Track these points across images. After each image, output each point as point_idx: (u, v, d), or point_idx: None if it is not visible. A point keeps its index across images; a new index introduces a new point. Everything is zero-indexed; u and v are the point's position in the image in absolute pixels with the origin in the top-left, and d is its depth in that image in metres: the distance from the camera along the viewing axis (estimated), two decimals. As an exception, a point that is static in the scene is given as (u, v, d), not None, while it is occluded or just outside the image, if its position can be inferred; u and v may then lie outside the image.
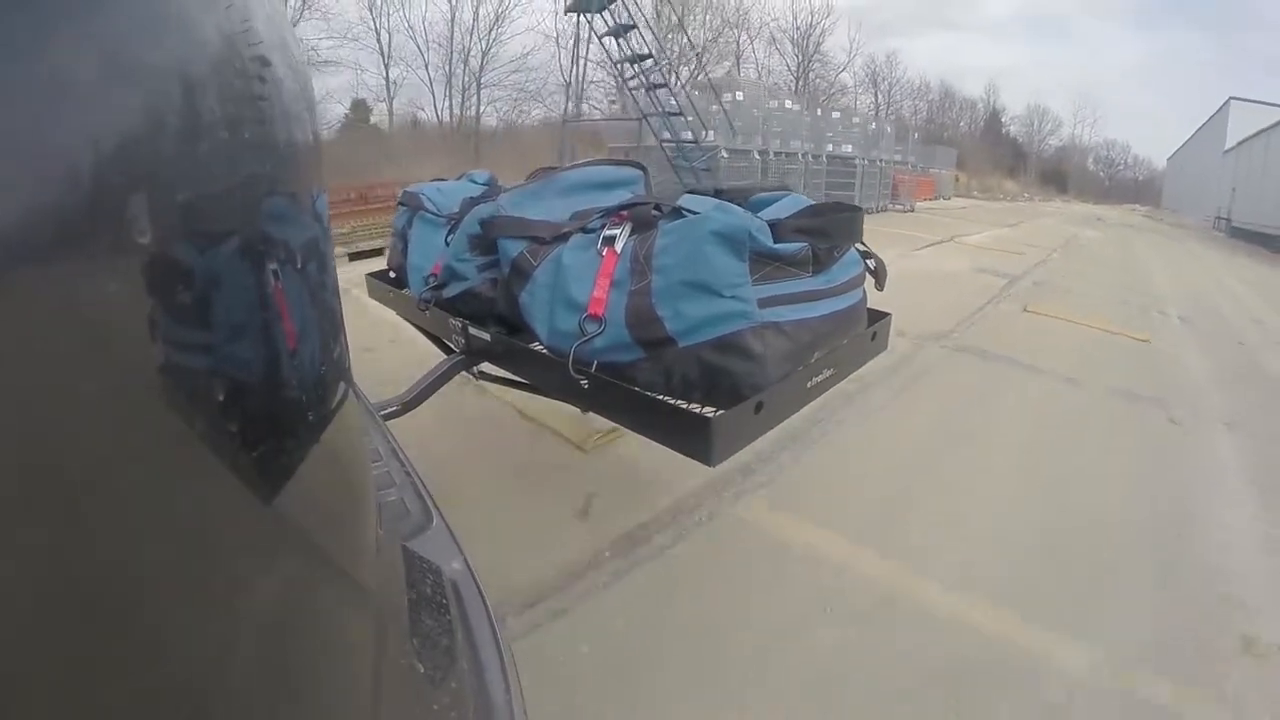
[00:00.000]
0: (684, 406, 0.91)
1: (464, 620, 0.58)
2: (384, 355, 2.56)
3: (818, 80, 28.16)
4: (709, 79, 10.07)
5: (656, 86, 7.71)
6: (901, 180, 12.87)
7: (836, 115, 10.87)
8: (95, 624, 0.24)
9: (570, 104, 11.14)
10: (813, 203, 1.01)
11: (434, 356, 1.48)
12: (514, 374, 1.28)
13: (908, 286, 4.32)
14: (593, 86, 21.44)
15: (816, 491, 1.72)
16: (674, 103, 7.65)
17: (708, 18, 20.59)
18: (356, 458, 0.51)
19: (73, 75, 0.22)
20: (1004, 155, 37.81)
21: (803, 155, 9.32)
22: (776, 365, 0.87)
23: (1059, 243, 9.14)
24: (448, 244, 1.31)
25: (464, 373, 1.38)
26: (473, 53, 19.98)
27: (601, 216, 1.00)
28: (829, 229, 0.91)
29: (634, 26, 7.70)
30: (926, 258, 6.28)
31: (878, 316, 1.14)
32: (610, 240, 0.96)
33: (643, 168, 1.19)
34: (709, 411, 0.88)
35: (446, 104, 20.14)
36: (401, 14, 19.00)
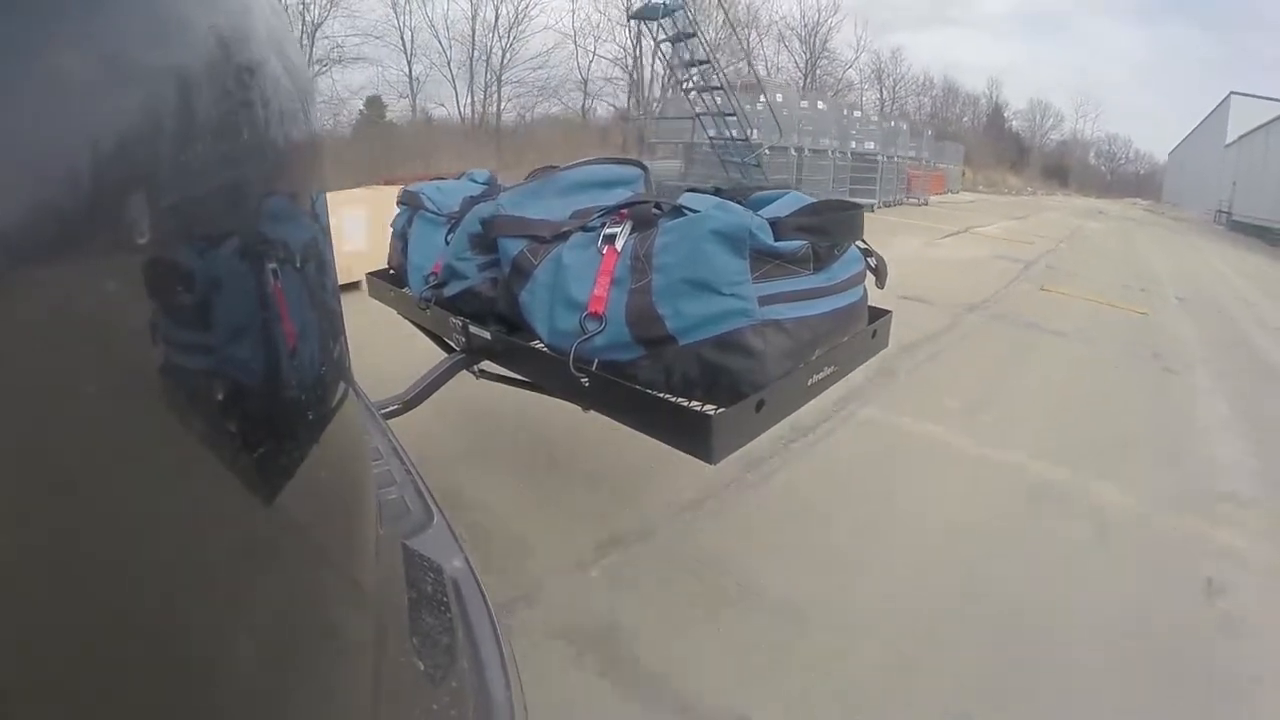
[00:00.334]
0: (684, 404, 0.92)
1: (464, 618, 0.58)
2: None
3: (825, 77, 28.58)
4: (757, 80, 10.70)
5: (713, 89, 8.32)
6: (915, 175, 13.48)
7: (858, 115, 11.51)
8: (95, 623, 0.24)
9: (632, 101, 11.62)
10: (813, 200, 1.01)
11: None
12: (514, 372, 1.28)
13: (941, 270, 5.06)
14: (607, 84, 22.01)
15: (915, 404, 2.39)
16: (726, 103, 8.25)
17: (716, 15, 21.17)
18: (357, 456, 0.51)
19: (72, 76, 0.22)
20: (1007, 150, 38.00)
21: (831, 152, 9.97)
22: (777, 363, 0.88)
23: (1065, 234, 9.80)
24: (448, 243, 1.32)
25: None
26: (493, 51, 20.49)
27: (602, 215, 1.01)
28: (829, 227, 0.91)
29: (694, 34, 8.30)
30: (949, 246, 6.96)
31: (878, 314, 1.14)
32: (610, 239, 0.96)
33: (643, 166, 1.17)
34: (709, 409, 0.89)
35: (469, 100, 20.68)
36: (424, 12, 19.51)
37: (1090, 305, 4.42)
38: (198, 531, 0.28)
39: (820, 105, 10.15)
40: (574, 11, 24.78)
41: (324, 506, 0.41)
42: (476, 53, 20.35)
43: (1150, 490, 1.88)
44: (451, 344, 1.37)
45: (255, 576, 0.32)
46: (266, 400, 0.34)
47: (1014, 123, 40.50)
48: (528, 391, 1.37)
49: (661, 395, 0.91)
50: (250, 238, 0.33)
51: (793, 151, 8.91)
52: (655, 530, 1.49)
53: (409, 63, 19.76)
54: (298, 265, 0.38)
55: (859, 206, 0.98)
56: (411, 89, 20.06)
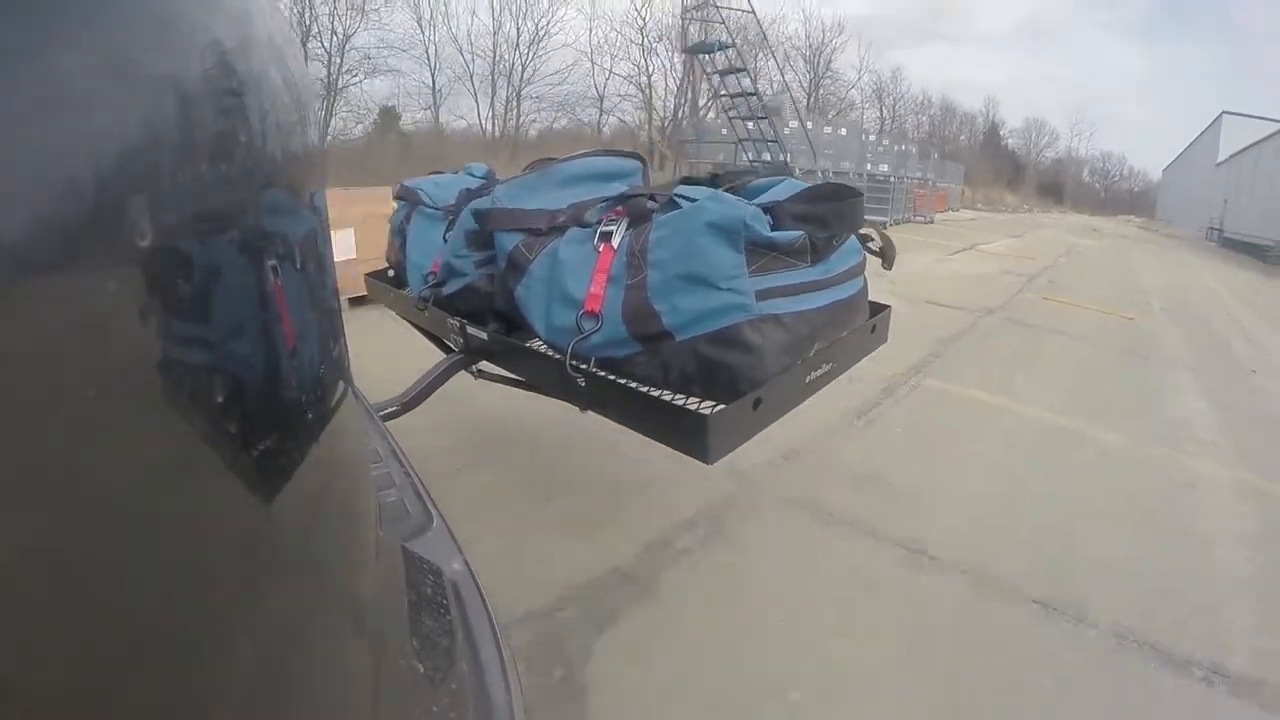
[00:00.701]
0: (681, 403, 0.91)
1: (464, 621, 0.58)
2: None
3: (829, 96, 29.53)
4: (795, 106, 11.64)
5: (758, 118, 9.19)
6: (921, 195, 14.33)
7: (873, 139, 12.39)
8: (94, 623, 0.24)
9: (685, 125, 12.42)
10: (809, 185, 0.98)
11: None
12: (512, 373, 1.28)
13: (956, 282, 5.93)
14: (622, 100, 22.99)
15: (961, 378, 3.12)
16: (767, 129, 9.13)
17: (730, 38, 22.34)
18: (356, 458, 0.52)
19: (72, 79, 0.23)
20: (1003, 167, 38.84)
21: (851, 174, 10.81)
22: (775, 358, 0.87)
23: (1062, 251, 10.60)
24: (445, 240, 1.32)
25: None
26: (514, 66, 21.40)
27: (598, 209, 1.00)
28: (828, 217, 0.90)
29: (744, 69, 9.18)
30: (959, 262, 7.73)
31: (878, 309, 1.12)
32: (607, 235, 0.95)
33: (641, 159, 1.16)
34: (706, 408, 0.89)
35: (489, 113, 21.58)
36: (448, 27, 20.43)
37: (1087, 312, 5.18)
38: (197, 533, 0.28)
39: (843, 131, 11.06)
40: (591, 30, 25.85)
41: (323, 508, 0.41)
42: (498, 67, 21.23)
43: (1134, 433, 2.61)
44: (450, 344, 1.37)
45: (255, 578, 0.32)
46: (266, 401, 0.34)
47: (1010, 141, 41.42)
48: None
49: (658, 394, 0.91)
50: (250, 239, 0.33)
51: (819, 174, 9.74)
52: (811, 450, 2.21)
53: (432, 75, 20.54)
54: (297, 266, 0.39)
55: (859, 193, 0.95)
56: (434, 100, 20.86)
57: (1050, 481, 2.14)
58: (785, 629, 1.34)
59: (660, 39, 22.87)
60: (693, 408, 0.90)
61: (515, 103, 21.54)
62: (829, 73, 29.11)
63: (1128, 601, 1.49)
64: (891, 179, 11.89)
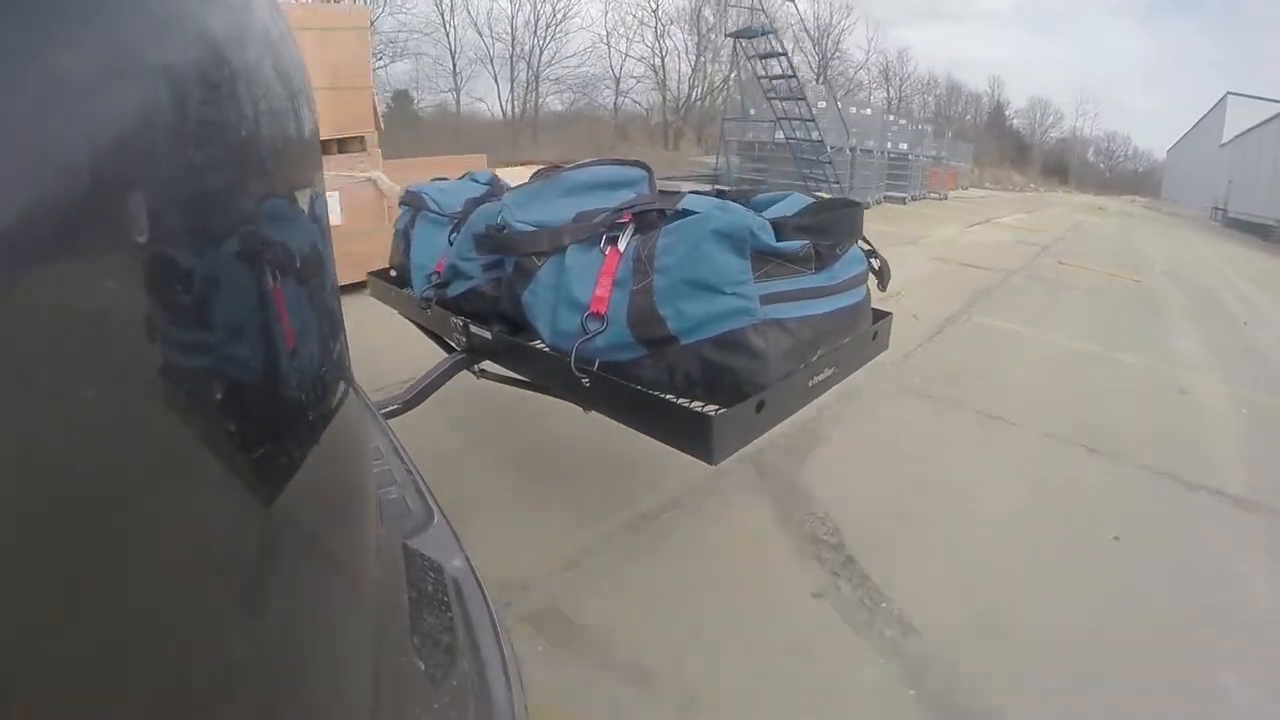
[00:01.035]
0: (685, 405, 0.92)
1: (465, 618, 0.58)
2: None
3: (837, 77, 29.67)
4: (830, 89, 12.13)
5: (797, 98, 9.71)
6: (935, 173, 14.83)
7: (891, 119, 12.84)
8: (94, 623, 0.24)
9: (735, 105, 12.81)
10: (813, 200, 1.01)
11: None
12: (515, 373, 1.29)
13: (980, 249, 6.63)
14: (637, 83, 23.26)
15: (1000, 316, 3.78)
16: (804, 111, 9.64)
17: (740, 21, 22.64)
18: (357, 456, 0.52)
19: (70, 75, 0.23)
20: (1008, 147, 38.92)
21: (876, 152, 11.30)
22: (779, 362, 0.88)
23: (1070, 226, 11.22)
24: (450, 243, 1.34)
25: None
26: (532, 49, 21.64)
27: (605, 218, 1.00)
28: (829, 226, 0.92)
29: (784, 54, 9.82)
30: (979, 233, 8.38)
31: (879, 316, 1.14)
32: (613, 240, 0.96)
33: (647, 167, 1.18)
34: (710, 410, 0.90)
35: (509, 95, 21.88)
36: (468, 13, 20.71)
37: (1098, 275, 5.80)
38: (197, 532, 0.29)
39: (867, 111, 11.54)
40: (607, 14, 26.03)
41: (325, 506, 0.41)
42: (516, 50, 21.49)
43: (1143, 356, 3.25)
44: (452, 344, 1.39)
45: (255, 576, 0.32)
46: (267, 400, 0.34)
47: (1015, 120, 41.36)
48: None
49: (662, 396, 0.92)
50: (250, 237, 0.33)
51: (847, 151, 10.25)
52: (904, 360, 2.82)
53: (453, 58, 20.83)
54: (297, 265, 0.38)
55: (859, 205, 0.99)
56: (456, 83, 21.17)
57: (1081, 381, 2.82)
58: (918, 454, 2.00)
59: (673, 22, 23.08)
60: (696, 409, 0.91)
61: (534, 85, 21.84)
62: (837, 53, 29.18)
63: (1147, 449, 2.11)
64: (910, 157, 12.41)
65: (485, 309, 1.25)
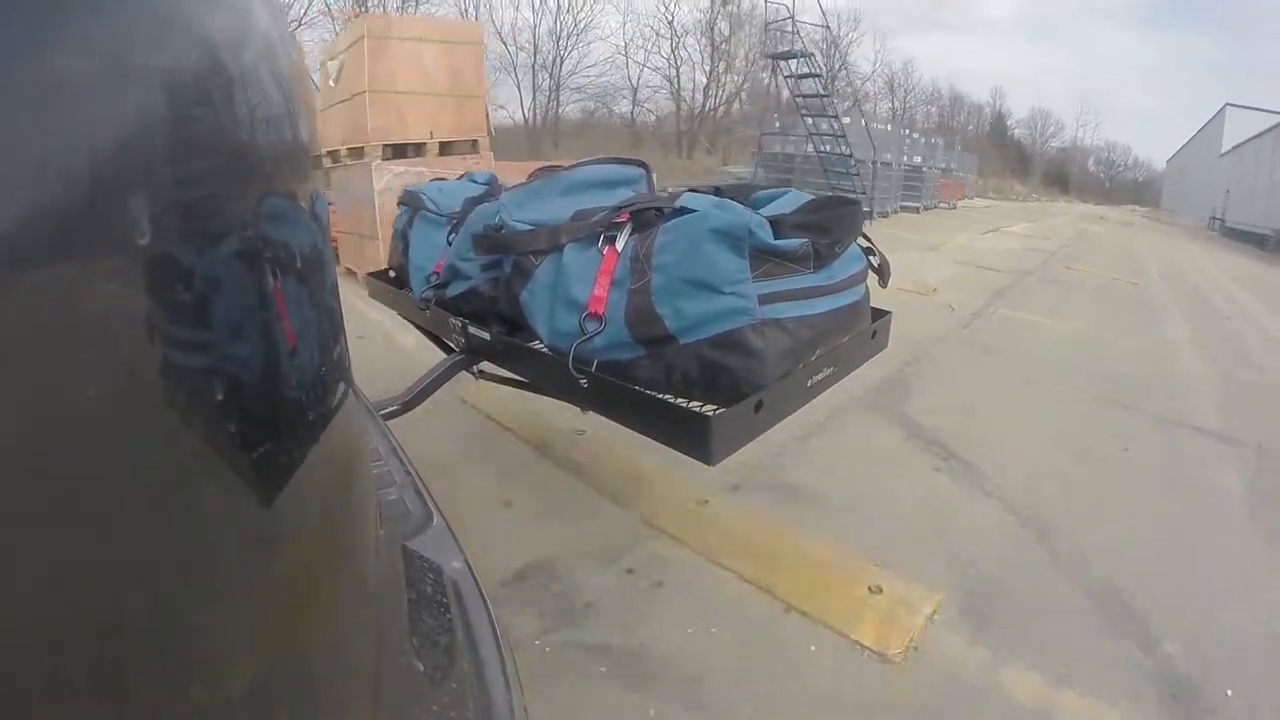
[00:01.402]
0: (684, 405, 0.92)
1: (464, 619, 0.58)
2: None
3: (844, 89, 30.43)
4: (859, 107, 12.92)
5: (831, 116, 10.62)
6: (945, 184, 15.61)
7: (905, 133, 13.64)
8: (93, 622, 0.24)
9: (773, 120, 13.57)
10: (812, 198, 1.00)
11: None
12: (514, 373, 1.28)
13: (994, 254, 7.65)
14: (652, 91, 24.10)
15: (1020, 309, 4.53)
16: (835, 127, 10.47)
17: (752, 34, 23.47)
18: (356, 457, 0.52)
19: (71, 77, 0.23)
20: (1010, 157, 39.38)
21: (894, 165, 12.08)
22: (777, 362, 0.88)
23: (1073, 235, 12.14)
24: (449, 243, 1.34)
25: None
26: (554, 59, 22.40)
27: (603, 216, 1.00)
28: (829, 224, 0.91)
29: (820, 74, 10.81)
30: (990, 240, 9.22)
31: (878, 315, 1.14)
32: (611, 239, 0.96)
33: (645, 165, 1.17)
34: (709, 410, 0.89)
35: (531, 103, 22.67)
36: (492, 22, 21.48)
37: (1101, 278, 6.60)
38: (196, 532, 0.29)
39: (887, 127, 12.35)
40: (624, 26, 26.95)
41: (323, 507, 0.41)
42: (538, 60, 22.24)
43: (1140, 339, 4.07)
44: (451, 344, 1.39)
45: (254, 577, 0.33)
46: (266, 400, 0.34)
47: (1016, 131, 41.88)
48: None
49: (660, 396, 0.92)
50: (250, 238, 0.33)
51: (869, 164, 11.02)
52: (944, 340, 3.56)
53: (476, 65, 21.65)
54: (298, 265, 0.39)
55: (858, 203, 0.98)
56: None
57: (1091, 355, 3.63)
58: (977, 394, 2.76)
59: (688, 33, 23.94)
60: (695, 409, 0.91)
61: (555, 93, 22.64)
62: (844, 66, 29.96)
63: (1144, 401, 2.87)
64: (923, 169, 13.19)
65: (484, 309, 1.24)
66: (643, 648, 1.24)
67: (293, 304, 0.38)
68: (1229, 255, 12.59)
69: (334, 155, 4.79)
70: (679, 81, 25.02)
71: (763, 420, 0.90)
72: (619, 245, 0.95)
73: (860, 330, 1.06)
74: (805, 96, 10.72)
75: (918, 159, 13.00)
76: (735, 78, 24.90)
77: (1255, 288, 7.65)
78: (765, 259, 0.87)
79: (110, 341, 0.24)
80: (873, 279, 1.08)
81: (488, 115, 4.59)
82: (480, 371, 1.46)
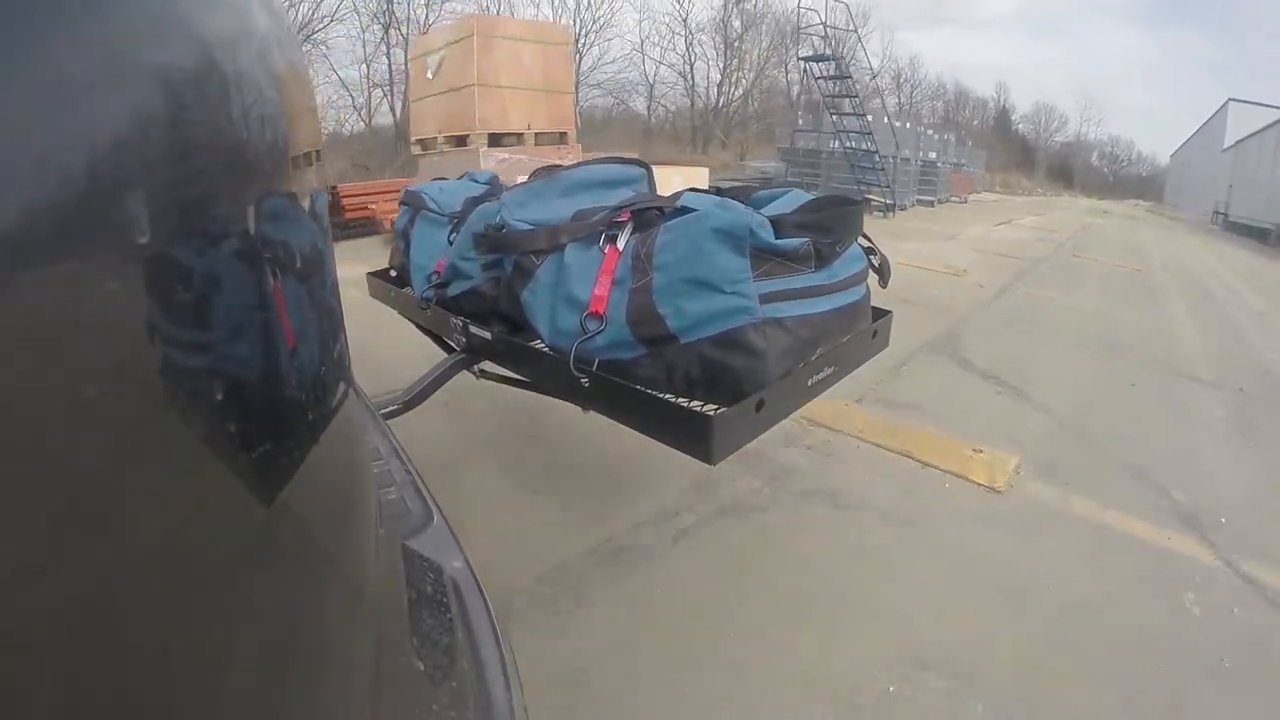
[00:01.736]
0: (685, 404, 0.92)
1: (464, 619, 0.58)
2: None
3: (853, 84, 30.91)
4: (884, 105, 13.42)
5: (858, 114, 11.23)
6: (957, 179, 16.19)
7: (921, 129, 14.21)
8: (94, 622, 0.24)
9: (795, 117, 14.05)
10: (813, 197, 1.00)
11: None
12: (515, 372, 1.29)
13: (1008, 244, 8.49)
14: (668, 87, 24.67)
15: (1038, 288, 5.25)
16: (862, 125, 11.09)
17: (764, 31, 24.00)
18: (356, 456, 0.52)
19: (71, 76, 0.23)
20: (1014, 152, 39.48)
21: (911, 160, 12.66)
22: (778, 361, 0.88)
23: (1079, 228, 12.84)
24: (450, 242, 1.34)
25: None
26: (573, 55, 23.01)
27: (604, 215, 1.00)
28: (830, 223, 0.92)
29: (849, 76, 11.35)
30: (1003, 231, 9.97)
31: (879, 314, 1.14)
32: (612, 238, 0.96)
33: (645, 165, 1.16)
34: (710, 409, 0.90)
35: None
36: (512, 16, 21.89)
37: (1107, 265, 7.37)
38: (197, 531, 0.29)
39: (907, 125, 12.93)
40: (640, 24, 27.47)
41: (324, 506, 0.41)
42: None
43: (1142, 314, 4.78)
44: (452, 344, 1.40)
45: (255, 576, 0.33)
46: (266, 400, 0.34)
47: (1020, 125, 41.95)
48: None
49: (661, 395, 0.92)
50: (250, 238, 0.33)
51: (891, 159, 11.61)
52: (976, 312, 4.21)
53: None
54: (298, 265, 0.39)
55: (859, 203, 0.98)
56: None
57: (1101, 324, 4.28)
58: (1015, 352, 3.41)
59: (702, 30, 24.50)
60: (696, 409, 0.91)
61: (575, 90, 23.21)
62: (853, 61, 30.38)
63: (1148, 356, 3.58)
64: (938, 164, 13.79)
65: (485, 309, 1.25)
66: (837, 490, 1.88)
67: (292, 303, 0.38)
68: (1230, 248, 13.08)
69: (424, 143, 5.23)
70: (693, 78, 25.55)
71: (764, 419, 0.90)
72: (620, 244, 0.96)
73: (861, 330, 1.07)
74: (834, 96, 11.32)
75: (932, 154, 13.58)
76: (748, 74, 25.40)
77: (1254, 279, 8.31)
78: (766, 258, 0.88)
79: (110, 341, 0.24)
80: (872, 279, 1.09)
81: (576, 110, 4.94)
82: (481, 371, 1.47)
